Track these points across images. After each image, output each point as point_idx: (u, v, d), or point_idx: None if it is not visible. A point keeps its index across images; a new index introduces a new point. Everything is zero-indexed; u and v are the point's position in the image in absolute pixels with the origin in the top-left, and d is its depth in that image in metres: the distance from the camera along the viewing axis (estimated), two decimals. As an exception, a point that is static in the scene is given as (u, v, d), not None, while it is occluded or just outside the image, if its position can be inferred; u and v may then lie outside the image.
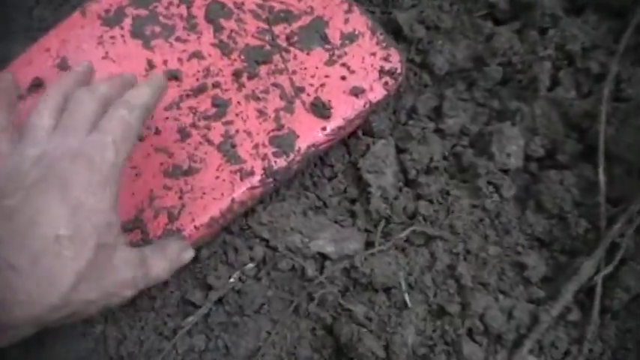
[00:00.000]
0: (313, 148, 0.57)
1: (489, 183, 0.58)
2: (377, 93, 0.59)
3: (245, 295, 0.58)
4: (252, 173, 0.56)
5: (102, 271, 0.44)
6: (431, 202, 0.59)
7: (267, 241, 0.59)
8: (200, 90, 0.60)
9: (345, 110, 0.58)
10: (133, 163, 0.57)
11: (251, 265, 0.59)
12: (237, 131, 0.57)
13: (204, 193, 0.55)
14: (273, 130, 0.58)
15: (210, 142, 0.57)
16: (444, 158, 0.61)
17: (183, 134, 0.58)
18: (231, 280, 0.58)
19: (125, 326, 0.58)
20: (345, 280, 0.58)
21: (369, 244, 0.59)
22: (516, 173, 0.60)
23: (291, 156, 0.56)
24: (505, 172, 0.59)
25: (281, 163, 0.56)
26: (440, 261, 0.57)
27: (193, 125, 0.58)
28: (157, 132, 0.58)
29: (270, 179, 0.56)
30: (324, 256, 0.59)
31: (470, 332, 0.55)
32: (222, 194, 0.55)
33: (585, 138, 0.59)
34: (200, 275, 0.59)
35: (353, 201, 0.62)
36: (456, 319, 0.56)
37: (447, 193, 0.59)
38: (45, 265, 0.40)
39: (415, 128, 0.61)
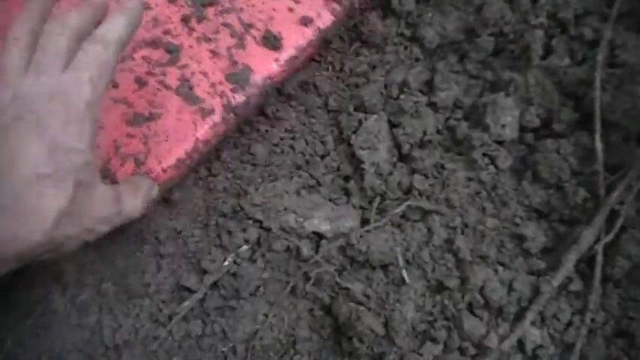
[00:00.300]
0: (269, 80, 0.60)
1: (485, 155, 0.57)
2: (325, 20, 0.62)
3: (240, 277, 0.57)
4: (212, 111, 0.57)
5: (81, 207, 0.44)
6: (426, 176, 0.58)
7: (260, 222, 0.58)
8: (151, 39, 0.60)
9: (296, 40, 0.60)
10: None
11: (245, 247, 0.58)
12: (192, 73, 0.59)
13: (168, 137, 0.56)
14: (228, 68, 0.59)
15: (167, 87, 0.58)
16: (438, 132, 0.60)
17: (141, 83, 0.58)
18: (226, 263, 0.57)
19: (120, 314, 0.58)
20: (342, 259, 0.57)
21: (364, 222, 0.58)
22: (512, 144, 0.59)
23: (249, 90, 0.58)
24: (500, 143, 0.58)
25: (239, 98, 0.58)
26: (437, 235, 0.56)
27: (149, 73, 0.59)
28: (115, 85, 0.58)
29: (231, 115, 0.58)
30: (319, 235, 0.58)
31: (470, 306, 0.55)
32: (186, 135, 0.56)
33: (581, 106, 0.58)
34: (194, 259, 0.58)
35: (347, 178, 0.61)
36: (456, 293, 0.55)
37: (442, 167, 0.58)
38: (28, 202, 0.41)
39: (407, 102, 0.59)
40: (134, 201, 0.50)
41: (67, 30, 0.45)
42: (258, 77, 0.59)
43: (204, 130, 0.56)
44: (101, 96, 0.45)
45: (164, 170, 0.55)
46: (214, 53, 0.60)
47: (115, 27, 0.47)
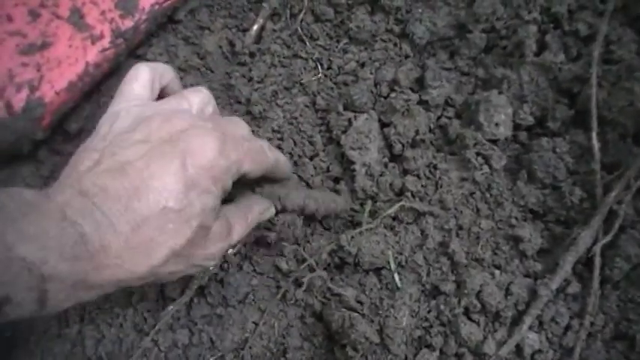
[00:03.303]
0: (157, 6, 0.62)
1: (478, 154, 0.56)
2: None
3: (228, 284, 0.55)
4: (101, 37, 0.59)
5: (194, 249, 0.43)
6: (418, 177, 0.57)
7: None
8: None
9: None
10: None
11: (232, 251, 0.56)
12: (83, 3, 0.60)
13: (60, 62, 0.58)
14: None
15: (59, 17, 0.59)
16: (430, 131, 0.58)
17: (34, 15, 0.59)
18: (211, 268, 0.55)
19: (103, 324, 0.56)
20: (333, 263, 0.55)
21: (356, 225, 0.57)
22: (506, 143, 0.57)
23: (137, 16, 0.61)
24: (494, 142, 0.56)
25: (128, 23, 0.61)
26: (431, 238, 0.55)
27: (42, 5, 0.59)
28: (10, 19, 0.58)
29: (120, 40, 0.60)
30: (310, 239, 0.56)
31: (466, 311, 0.53)
32: (77, 59, 0.58)
33: (576, 103, 0.56)
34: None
35: (337, 180, 0.59)
36: (452, 298, 0.53)
37: (435, 167, 0.57)
38: (145, 234, 0.39)
39: (398, 100, 0.57)
40: (244, 227, 0.49)
41: None
42: (146, 3, 0.61)
43: (94, 54, 0.59)
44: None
45: (57, 93, 0.57)
46: None
47: None
